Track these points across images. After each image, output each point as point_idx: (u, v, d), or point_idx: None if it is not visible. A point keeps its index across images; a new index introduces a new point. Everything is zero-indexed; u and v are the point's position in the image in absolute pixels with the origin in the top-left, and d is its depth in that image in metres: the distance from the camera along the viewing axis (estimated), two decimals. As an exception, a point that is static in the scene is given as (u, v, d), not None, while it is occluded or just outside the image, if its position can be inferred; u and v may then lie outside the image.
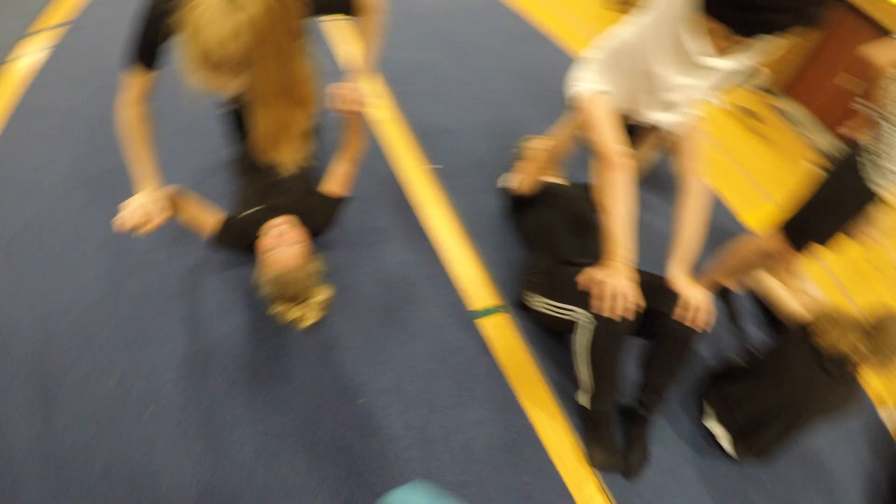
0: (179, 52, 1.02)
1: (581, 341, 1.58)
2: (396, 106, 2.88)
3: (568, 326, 1.66)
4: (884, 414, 2.49)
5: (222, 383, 1.51)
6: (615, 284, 1.45)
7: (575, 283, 1.57)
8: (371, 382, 1.63)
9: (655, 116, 1.64)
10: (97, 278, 1.66)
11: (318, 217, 1.82)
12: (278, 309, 1.62)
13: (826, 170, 1.99)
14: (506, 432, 1.64)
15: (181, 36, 0.99)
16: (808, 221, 2.03)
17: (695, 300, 1.52)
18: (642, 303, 1.45)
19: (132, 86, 1.33)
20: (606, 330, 1.50)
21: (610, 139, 1.51)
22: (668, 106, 1.58)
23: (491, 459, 1.55)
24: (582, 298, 1.54)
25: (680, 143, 1.73)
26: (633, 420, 1.69)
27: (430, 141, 2.68)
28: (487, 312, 1.97)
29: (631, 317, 1.44)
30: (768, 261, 2.24)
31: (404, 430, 1.54)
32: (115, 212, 1.68)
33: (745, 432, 1.78)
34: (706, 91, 1.53)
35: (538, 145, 2.40)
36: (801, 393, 1.71)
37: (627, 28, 1.50)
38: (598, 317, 1.49)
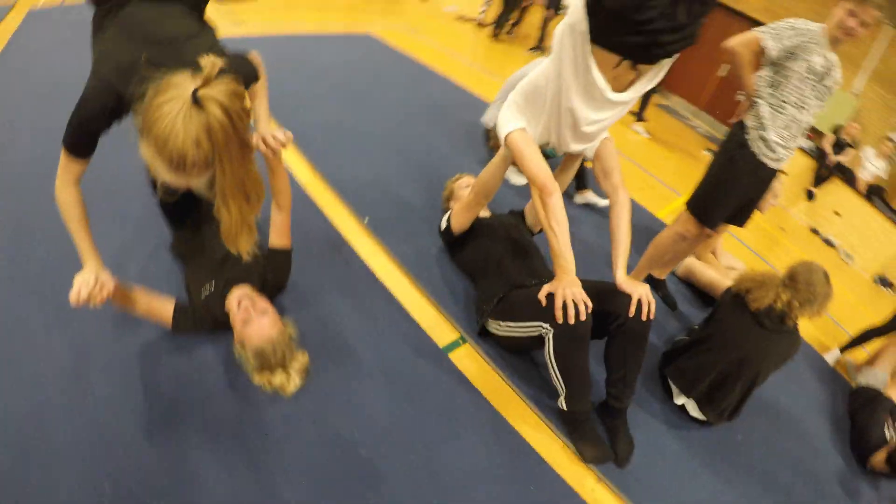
0: (142, 152, 1.04)
1: (549, 351, 1.71)
2: (315, 167, 2.91)
3: (534, 343, 1.80)
4: (829, 358, 2.78)
5: (223, 467, 1.49)
6: (569, 293, 1.61)
7: (533, 301, 1.72)
8: (366, 434, 1.66)
9: (576, 147, 1.84)
10: (62, 390, 1.56)
11: (273, 274, 1.86)
12: (262, 378, 1.64)
13: (720, 154, 2.25)
14: (502, 451, 1.73)
15: (144, 139, 1.02)
16: (714, 204, 2.27)
17: (643, 297, 1.70)
18: (590, 304, 1.62)
19: (71, 170, 1.32)
20: (570, 334, 1.65)
21: (542, 170, 1.69)
22: (587, 137, 1.78)
23: (496, 478, 1.63)
24: (543, 312, 1.68)
25: (596, 163, 1.94)
26: (611, 413, 1.83)
27: (357, 195, 2.75)
28: (454, 346, 2.07)
29: (583, 318, 1.60)
30: (690, 245, 2.48)
31: (410, 471, 1.60)
32: (60, 315, 1.63)
33: (709, 398, 1.97)
34: (617, 117, 1.74)
35: (467, 183, 2.54)
36: (747, 351, 1.92)
37: (544, 68, 1.66)
38: (559, 325, 1.63)
